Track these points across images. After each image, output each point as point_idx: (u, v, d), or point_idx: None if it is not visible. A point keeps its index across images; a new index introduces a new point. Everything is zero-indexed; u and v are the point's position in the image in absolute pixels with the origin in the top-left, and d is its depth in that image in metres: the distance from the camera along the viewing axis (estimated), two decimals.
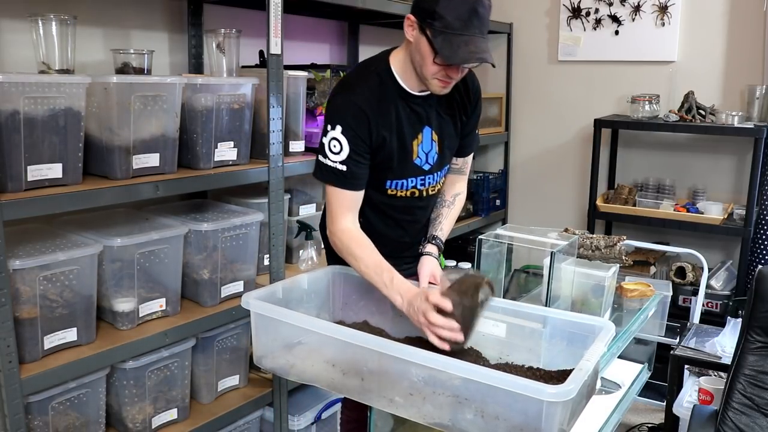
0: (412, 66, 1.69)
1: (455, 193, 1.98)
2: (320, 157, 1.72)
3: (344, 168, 1.69)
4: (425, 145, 1.79)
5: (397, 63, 1.72)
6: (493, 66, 1.59)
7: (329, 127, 1.70)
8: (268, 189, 2.25)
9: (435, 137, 1.81)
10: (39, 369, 1.71)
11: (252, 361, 1.85)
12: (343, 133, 1.67)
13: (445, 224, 1.94)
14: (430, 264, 1.84)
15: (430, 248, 1.88)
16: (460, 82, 1.74)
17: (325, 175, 1.72)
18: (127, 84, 1.85)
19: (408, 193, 1.82)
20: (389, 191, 1.81)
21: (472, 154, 2.00)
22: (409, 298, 1.60)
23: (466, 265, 3.62)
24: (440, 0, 1.54)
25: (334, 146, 1.69)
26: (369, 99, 1.69)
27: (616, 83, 3.73)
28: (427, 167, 1.82)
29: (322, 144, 1.72)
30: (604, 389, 2.44)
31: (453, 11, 1.54)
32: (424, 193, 1.85)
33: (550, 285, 1.89)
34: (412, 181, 1.81)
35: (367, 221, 1.84)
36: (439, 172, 1.86)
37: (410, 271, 1.91)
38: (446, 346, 1.52)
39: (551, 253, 1.86)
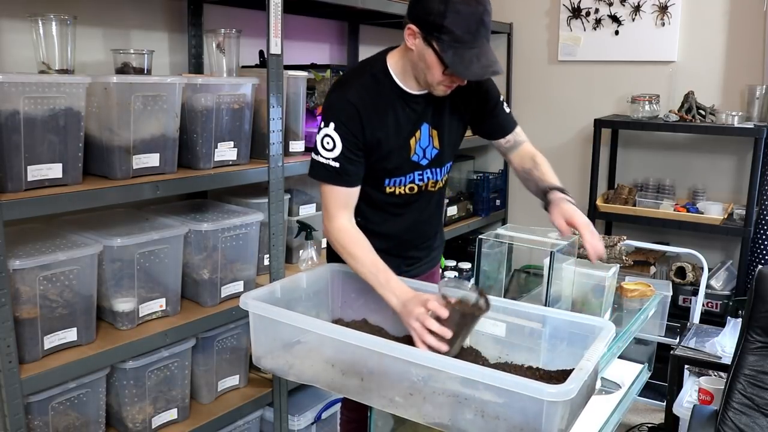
0: (410, 69, 1.68)
1: (530, 157, 1.88)
2: (314, 155, 1.73)
3: (337, 165, 1.69)
4: (423, 142, 1.79)
5: (395, 64, 1.72)
6: (500, 73, 1.60)
7: (323, 124, 1.71)
8: (268, 189, 2.25)
9: (433, 132, 1.80)
10: (39, 369, 1.71)
11: (252, 361, 1.85)
12: (335, 129, 1.68)
13: (547, 178, 1.83)
14: (577, 212, 1.69)
15: (561, 194, 1.74)
16: None
17: (319, 172, 1.72)
18: (127, 84, 1.85)
19: (407, 189, 1.82)
20: (388, 189, 1.80)
21: (518, 127, 1.90)
22: (405, 299, 1.60)
23: (467, 265, 3.63)
24: (447, 14, 1.51)
25: (327, 143, 1.69)
26: (363, 98, 1.69)
27: (616, 83, 3.73)
28: (424, 162, 1.80)
29: (315, 142, 1.73)
30: (604, 389, 2.44)
31: (462, 25, 1.52)
32: (423, 188, 1.84)
33: (550, 285, 1.88)
34: (410, 177, 1.80)
35: (366, 220, 1.83)
36: (438, 168, 1.84)
37: (411, 273, 1.91)
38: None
39: (551, 253, 1.86)
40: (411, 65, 1.67)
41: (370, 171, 1.76)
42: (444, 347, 1.51)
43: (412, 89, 1.72)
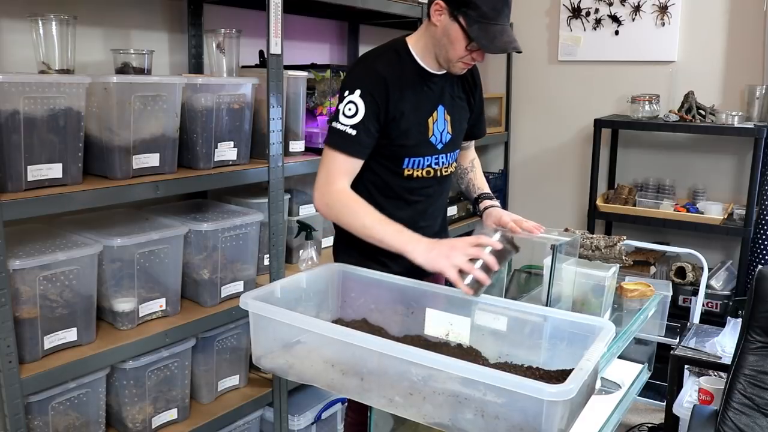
0: (431, 47, 1.74)
1: (470, 159, 2.13)
2: (333, 123, 1.74)
3: (354, 132, 1.70)
4: (439, 124, 1.83)
5: (416, 44, 1.78)
6: (520, 51, 1.69)
7: (347, 92, 1.72)
8: (268, 189, 2.26)
9: (447, 117, 1.85)
10: (39, 369, 1.71)
11: (252, 361, 1.85)
12: (361, 96, 1.69)
13: (479, 182, 2.09)
14: (503, 212, 1.96)
15: (490, 201, 2.02)
16: None
17: (333, 138, 1.72)
18: (127, 84, 1.85)
19: (424, 173, 1.85)
20: (406, 171, 1.82)
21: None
22: (429, 241, 1.62)
23: None
24: None
25: (349, 109, 1.70)
26: (390, 70, 1.73)
27: (616, 83, 3.73)
28: (440, 146, 1.85)
29: (336, 111, 1.73)
30: (604, 389, 2.44)
31: (488, 2, 1.61)
32: (439, 173, 1.88)
33: (551, 285, 1.88)
34: (427, 160, 1.84)
35: (381, 209, 1.82)
36: (451, 153, 1.90)
37: (425, 272, 1.91)
38: (470, 291, 1.56)
39: (553, 246, 1.85)
40: (433, 42, 1.73)
41: (390, 150, 1.79)
42: (488, 280, 1.58)
43: (432, 68, 1.78)
